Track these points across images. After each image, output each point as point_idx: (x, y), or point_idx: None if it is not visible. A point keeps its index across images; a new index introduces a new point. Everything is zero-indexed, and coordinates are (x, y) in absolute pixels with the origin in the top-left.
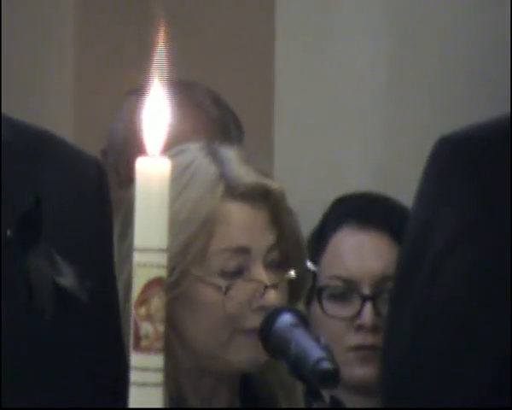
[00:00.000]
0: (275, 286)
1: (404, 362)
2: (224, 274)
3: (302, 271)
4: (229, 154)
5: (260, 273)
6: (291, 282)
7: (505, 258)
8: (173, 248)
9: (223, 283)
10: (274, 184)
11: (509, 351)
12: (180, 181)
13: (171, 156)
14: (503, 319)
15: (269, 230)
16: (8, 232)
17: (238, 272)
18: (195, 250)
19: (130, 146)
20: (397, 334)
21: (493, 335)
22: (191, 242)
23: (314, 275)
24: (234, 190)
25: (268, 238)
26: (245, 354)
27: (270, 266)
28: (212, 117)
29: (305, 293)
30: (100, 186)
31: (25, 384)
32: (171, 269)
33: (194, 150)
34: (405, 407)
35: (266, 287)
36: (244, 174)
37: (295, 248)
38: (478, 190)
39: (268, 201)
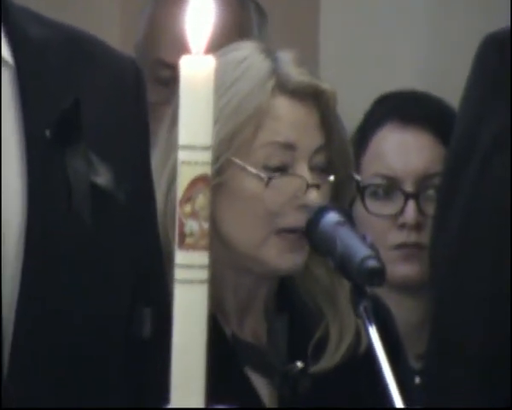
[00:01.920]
0: (317, 186)
1: (454, 256)
2: (268, 168)
3: (345, 177)
4: (285, 54)
5: (304, 171)
6: (334, 188)
7: None
8: (220, 137)
9: (266, 175)
10: (326, 86)
11: None
12: (233, 74)
13: (226, 53)
14: None
15: (317, 131)
16: (47, 132)
17: (282, 169)
18: (242, 140)
19: (151, 44)
20: (446, 229)
21: None
22: (238, 131)
23: (357, 183)
24: (285, 87)
25: (315, 139)
26: (282, 257)
27: (314, 168)
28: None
29: (347, 201)
30: (137, 86)
31: (64, 283)
32: (216, 158)
33: (250, 47)
34: (459, 299)
35: (309, 185)
36: (297, 73)
37: (341, 153)
38: None
39: (319, 102)
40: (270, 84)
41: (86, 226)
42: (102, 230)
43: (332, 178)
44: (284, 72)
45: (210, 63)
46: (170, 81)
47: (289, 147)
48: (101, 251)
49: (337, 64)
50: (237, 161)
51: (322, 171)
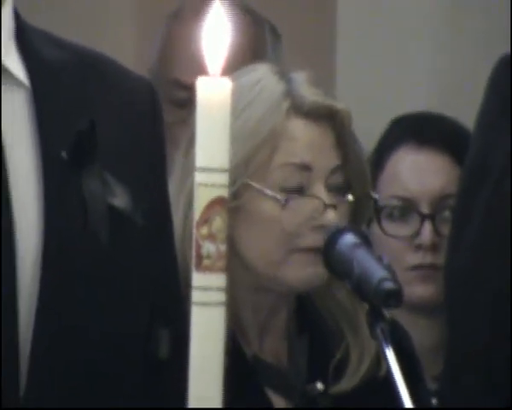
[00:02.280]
0: (334, 206)
1: (468, 275)
2: (285, 190)
3: (363, 196)
4: (298, 75)
5: (321, 192)
6: (352, 208)
7: None
8: (236, 161)
9: (283, 197)
10: (341, 106)
11: None
12: (247, 97)
13: (241, 75)
14: None
15: (333, 151)
16: (64, 154)
17: (298, 190)
18: (258, 163)
19: (166, 64)
20: (460, 249)
21: None
22: (254, 154)
23: (375, 202)
24: (300, 108)
25: (332, 160)
26: (301, 272)
27: (331, 188)
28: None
29: (365, 220)
30: (153, 107)
31: (81, 301)
32: (233, 181)
33: (264, 69)
34: (471, 314)
35: (326, 206)
36: (311, 93)
37: (358, 173)
38: None
39: (334, 122)
40: (285, 105)
41: (103, 246)
42: (119, 249)
43: (350, 197)
44: (298, 93)
45: (226, 85)
46: (186, 102)
47: (305, 168)
48: (117, 270)
49: (353, 86)
50: (254, 183)
51: (340, 191)
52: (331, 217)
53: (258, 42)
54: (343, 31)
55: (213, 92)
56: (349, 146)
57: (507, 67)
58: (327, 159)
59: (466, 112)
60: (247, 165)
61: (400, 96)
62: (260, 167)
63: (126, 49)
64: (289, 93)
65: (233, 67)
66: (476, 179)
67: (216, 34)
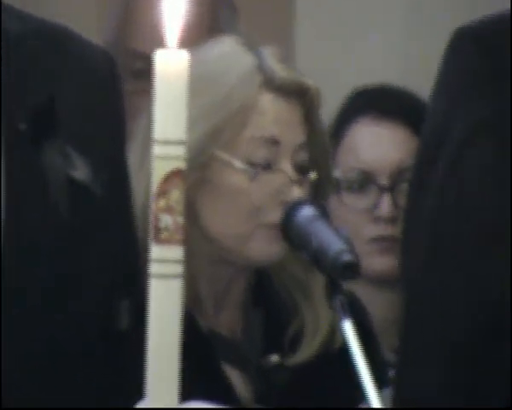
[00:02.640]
0: (300, 183)
1: (425, 251)
2: (252, 164)
3: (325, 175)
4: (269, 50)
5: (287, 167)
6: (314, 186)
7: None
8: (205, 131)
9: (251, 170)
10: (311, 84)
11: None
12: (217, 68)
13: (207, 47)
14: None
15: (301, 128)
16: (22, 126)
17: (265, 165)
18: (227, 135)
19: (124, 34)
20: (417, 224)
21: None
22: (224, 126)
23: (336, 181)
24: (271, 83)
25: (299, 136)
26: (266, 248)
27: (297, 165)
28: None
29: (325, 198)
30: (112, 78)
31: (39, 275)
32: (201, 151)
33: (232, 42)
34: (427, 298)
35: (292, 182)
36: (282, 69)
37: (322, 152)
38: (500, 82)
39: (303, 99)
40: (257, 79)
41: (64, 219)
42: (80, 222)
43: (313, 175)
44: (270, 68)
45: (184, 57)
46: (144, 72)
47: (274, 142)
48: (78, 241)
49: (311, 59)
50: (223, 155)
51: (304, 168)
52: (296, 193)
53: (214, 15)
54: (302, 9)
55: (171, 65)
56: (315, 124)
57: (467, 37)
58: (294, 135)
59: (427, 85)
60: (217, 136)
61: (359, 69)
62: (230, 139)
63: (87, 21)
64: (261, 67)
65: (189, 40)
66: (432, 153)
67: (174, 7)
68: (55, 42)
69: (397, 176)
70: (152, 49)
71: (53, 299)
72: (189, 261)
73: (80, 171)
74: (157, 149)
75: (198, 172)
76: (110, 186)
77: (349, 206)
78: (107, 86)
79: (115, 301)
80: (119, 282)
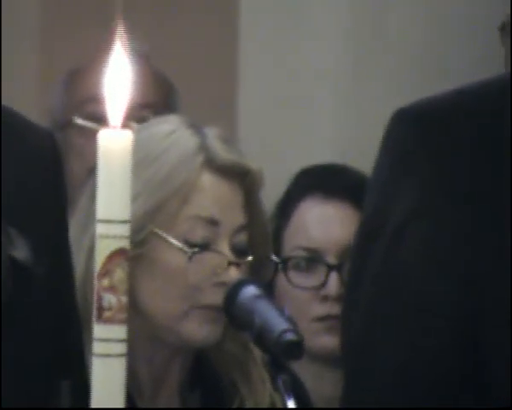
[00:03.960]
0: (238, 264)
1: (362, 334)
2: (190, 243)
3: (264, 258)
4: (211, 130)
5: (225, 249)
6: (252, 269)
7: (462, 231)
8: (145, 208)
9: (188, 249)
10: (254, 166)
11: (462, 320)
12: (159, 146)
13: (152, 125)
14: (458, 292)
15: (241, 210)
16: None
17: (203, 245)
18: (166, 214)
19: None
20: (356, 306)
21: (447, 307)
22: (163, 204)
23: (276, 267)
24: (213, 163)
25: (239, 218)
26: (200, 330)
27: (235, 247)
28: (166, 87)
29: (265, 280)
30: (54, 159)
31: None
32: (140, 229)
33: (176, 121)
34: (365, 379)
35: (230, 263)
36: (225, 150)
37: (261, 235)
38: (434, 164)
39: (245, 181)
40: (199, 159)
41: (5, 298)
42: (20, 301)
43: (251, 258)
44: (213, 148)
45: (128, 137)
46: (96, 115)
47: (213, 223)
48: (19, 321)
49: (254, 142)
50: (161, 233)
51: (242, 251)
52: (234, 274)
53: (158, 94)
54: (245, 83)
55: (114, 144)
56: (256, 207)
57: (401, 120)
58: (234, 216)
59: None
60: (156, 214)
61: (305, 149)
62: (168, 217)
63: (30, 104)
64: (203, 147)
65: (132, 118)
66: (371, 236)
67: (116, 86)
68: (1, 123)
69: (344, 254)
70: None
71: None
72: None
73: (21, 251)
74: (100, 228)
75: (136, 248)
76: (51, 267)
77: (296, 285)
78: (49, 167)
79: (56, 382)
80: (61, 361)
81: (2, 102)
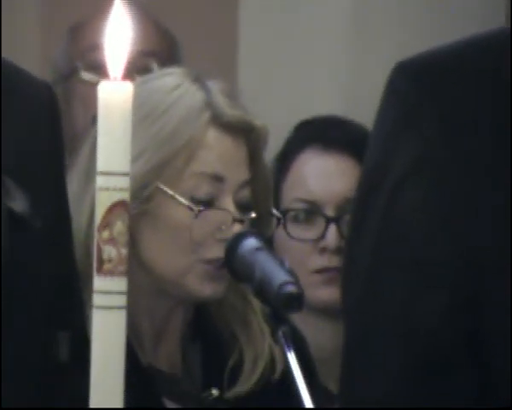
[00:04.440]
0: (242, 221)
1: (363, 292)
2: (195, 199)
3: (265, 213)
4: (217, 85)
5: (230, 205)
6: (254, 224)
7: (462, 189)
8: (150, 164)
9: (194, 206)
10: (259, 123)
11: (464, 280)
12: (165, 101)
13: (156, 77)
14: (460, 249)
15: (245, 166)
16: None
17: (208, 201)
18: (172, 169)
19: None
20: (356, 261)
21: (449, 265)
22: (170, 160)
23: (277, 219)
24: (219, 119)
25: (243, 173)
26: (204, 286)
27: (239, 202)
28: (168, 38)
29: (267, 235)
30: (51, 110)
31: None
32: (145, 185)
33: (180, 75)
34: (367, 335)
35: (234, 220)
36: (231, 106)
37: (264, 190)
38: (438, 118)
39: (250, 137)
40: (205, 116)
41: (1, 250)
42: (18, 253)
43: (253, 214)
44: (218, 104)
45: (128, 89)
46: (98, 63)
47: (218, 179)
48: (16, 273)
49: (255, 90)
50: (167, 189)
51: (245, 206)
52: (238, 231)
53: (160, 44)
54: (245, 46)
55: (114, 96)
56: (260, 163)
57: (403, 72)
58: (238, 172)
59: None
60: (162, 170)
61: (304, 100)
62: (174, 174)
63: (32, 55)
64: (209, 103)
65: (134, 69)
66: (372, 187)
67: (117, 38)
68: None
69: (343, 207)
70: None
71: None
72: (129, 292)
73: (19, 203)
74: (100, 181)
75: (141, 203)
76: (49, 217)
77: (295, 237)
78: (46, 118)
79: (53, 332)
80: (59, 312)
81: (4, 54)
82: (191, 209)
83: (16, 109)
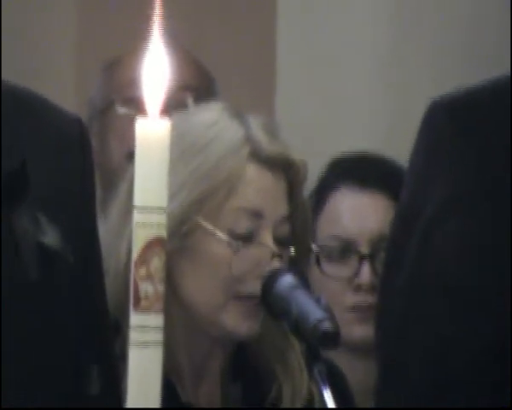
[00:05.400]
0: (281, 256)
1: (399, 330)
2: (234, 235)
3: (304, 249)
4: (256, 120)
5: (269, 240)
6: (292, 259)
7: (498, 229)
8: (189, 200)
9: (234, 241)
10: (298, 158)
11: (503, 308)
12: (204, 136)
13: (194, 113)
14: (494, 287)
15: (284, 201)
16: None
17: (247, 236)
18: (212, 204)
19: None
20: (390, 301)
21: (485, 298)
22: (209, 195)
23: (315, 255)
24: (258, 154)
25: (282, 209)
26: (241, 320)
27: (278, 238)
28: (204, 72)
29: (304, 271)
30: (82, 145)
31: (9, 345)
32: (185, 220)
33: (219, 110)
34: (402, 375)
35: (274, 255)
36: (270, 141)
37: (303, 226)
38: (473, 158)
39: (289, 173)
40: (244, 151)
41: (32, 282)
42: (49, 286)
43: (293, 250)
44: (258, 139)
45: (165, 126)
46: (133, 99)
47: (257, 215)
48: (47, 306)
49: (291, 127)
50: (207, 224)
51: (284, 242)
52: (277, 266)
53: (196, 79)
54: (283, 70)
55: (152, 133)
56: (299, 199)
57: (438, 110)
58: (278, 208)
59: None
60: (201, 205)
61: (341, 136)
62: (214, 209)
63: (67, 96)
64: (248, 138)
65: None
66: (405, 229)
67: (154, 73)
68: (28, 107)
69: (377, 244)
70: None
71: (19, 357)
72: (168, 330)
73: (50, 237)
74: (137, 216)
75: (180, 239)
76: (80, 253)
77: (329, 274)
78: (77, 153)
79: (85, 366)
80: (88, 349)
81: (38, 89)
82: (231, 245)
83: (47, 143)
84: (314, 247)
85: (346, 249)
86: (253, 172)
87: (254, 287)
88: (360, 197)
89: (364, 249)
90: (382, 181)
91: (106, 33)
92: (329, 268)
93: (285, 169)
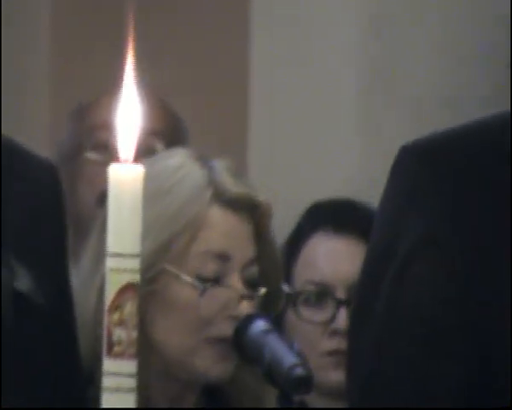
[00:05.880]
0: (250, 298)
1: (371, 372)
2: (201, 278)
3: (275, 289)
4: (220, 163)
5: (237, 282)
6: (264, 300)
7: (470, 263)
8: (155, 245)
9: (200, 284)
10: (262, 199)
11: (475, 352)
12: (168, 182)
13: (160, 159)
14: (468, 323)
15: (251, 243)
16: None
17: (215, 279)
18: (177, 249)
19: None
20: (363, 343)
21: (458, 339)
22: (173, 240)
23: (289, 297)
24: (222, 197)
25: (249, 251)
26: (212, 363)
27: (247, 280)
28: (173, 118)
29: (275, 312)
30: (55, 190)
31: None
32: (151, 265)
33: (184, 155)
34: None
35: (242, 297)
36: (234, 184)
37: (272, 266)
38: (444, 200)
39: (254, 214)
40: (207, 194)
41: (7, 329)
42: (22, 331)
43: (263, 290)
44: (221, 182)
45: (138, 171)
46: (105, 144)
47: (223, 257)
48: (21, 351)
49: (265, 172)
50: (172, 269)
51: (253, 283)
52: (245, 308)
53: (165, 124)
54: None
55: (125, 178)
56: (266, 239)
57: (408, 155)
58: (244, 250)
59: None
60: (166, 250)
61: (316, 184)
62: (179, 253)
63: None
64: (211, 181)
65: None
66: (377, 271)
67: (127, 119)
68: (0, 153)
69: (353, 289)
70: (112, 125)
71: None
72: (141, 375)
73: (22, 281)
74: (111, 262)
75: (147, 284)
76: (52, 298)
77: (305, 319)
78: (50, 198)
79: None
80: (59, 392)
81: (11, 134)
82: (196, 287)
83: (19, 189)
84: (290, 290)
85: (322, 294)
86: (217, 214)
87: (225, 329)
88: (336, 243)
89: (341, 294)
90: (358, 227)
91: (79, 77)
92: (306, 312)
93: (250, 210)
